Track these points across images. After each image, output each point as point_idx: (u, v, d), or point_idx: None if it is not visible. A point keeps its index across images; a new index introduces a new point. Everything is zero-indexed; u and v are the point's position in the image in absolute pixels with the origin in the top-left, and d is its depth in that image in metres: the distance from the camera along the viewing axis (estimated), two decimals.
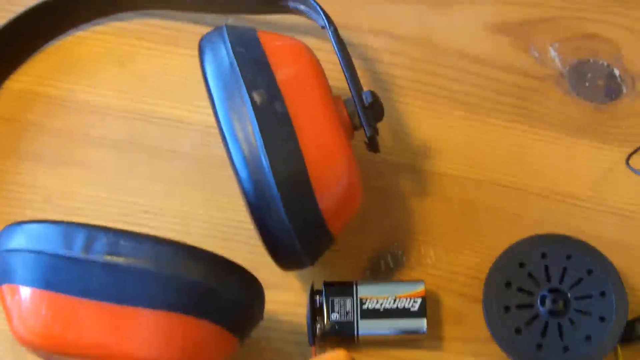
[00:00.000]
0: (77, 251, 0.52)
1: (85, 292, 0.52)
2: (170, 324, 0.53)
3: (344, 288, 0.61)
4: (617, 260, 0.62)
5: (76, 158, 0.66)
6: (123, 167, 0.66)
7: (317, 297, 0.61)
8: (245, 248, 0.61)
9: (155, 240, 0.53)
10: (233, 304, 0.54)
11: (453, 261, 0.64)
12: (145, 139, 0.67)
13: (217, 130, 0.55)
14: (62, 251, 0.52)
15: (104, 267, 0.52)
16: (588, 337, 0.59)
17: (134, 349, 0.53)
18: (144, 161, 0.67)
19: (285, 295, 0.63)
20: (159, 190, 0.66)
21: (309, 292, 0.61)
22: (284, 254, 0.57)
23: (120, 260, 0.52)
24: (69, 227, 0.53)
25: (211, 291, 0.53)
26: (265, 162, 0.54)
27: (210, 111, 0.56)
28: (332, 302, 0.61)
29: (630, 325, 0.60)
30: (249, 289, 0.56)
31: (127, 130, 0.67)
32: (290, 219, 0.54)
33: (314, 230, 0.56)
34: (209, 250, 0.54)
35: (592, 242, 0.61)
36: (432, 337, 0.62)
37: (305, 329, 0.61)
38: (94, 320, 0.52)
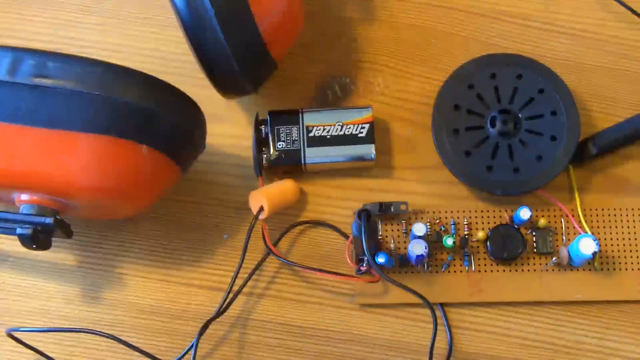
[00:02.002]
0: (2, 74, 0.49)
1: (13, 116, 0.50)
2: (106, 149, 0.51)
3: (289, 117, 0.59)
4: (569, 79, 0.61)
5: None
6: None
7: (263, 127, 0.59)
8: (189, 81, 0.58)
9: (85, 61, 0.50)
10: (171, 128, 0.52)
11: (402, 88, 0.62)
12: None
13: None
14: None
15: (32, 90, 0.49)
16: (539, 157, 0.58)
17: (70, 176, 0.51)
18: None
19: (230, 129, 0.61)
20: (94, 23, 0.63)
21: (253, 122, 0.59)
22: (223, 76, 0.55)
23: (48, 82, 0.49)
24: None
25: (147, 113, 0.51)
26: None
27: None
28: (278, 131, 0.59)
29: (583, 145, 0.59)
30: (187, 113, 0.54)
31: None
32: (227, 37, 0.52)
33: (253, 51, 0.53)
34: (144, 71, 0.51)
35: (546, 62, 0.60)
36: (382, 166, 0.60)
37: (252, 161, 0.59)
38: (24, 146, 0.50)
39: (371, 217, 0.53)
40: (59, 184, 0.51)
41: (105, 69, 0.50)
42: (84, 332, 0.57)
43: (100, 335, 0.56)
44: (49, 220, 0.52)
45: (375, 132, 0.60)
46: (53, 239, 0.54)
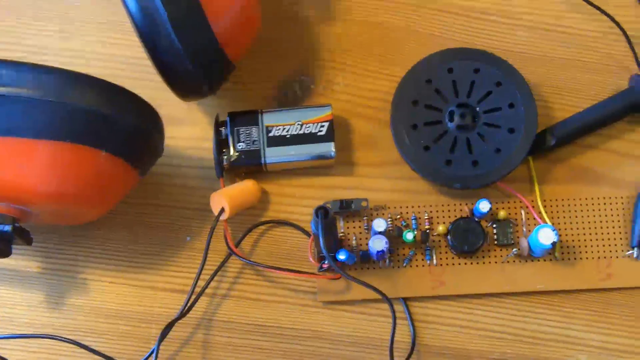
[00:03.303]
0: None
1: None
2: (62, 155, 0.51)
3: (249, 117, 0.60)
4: (527, 72, 0.61)
5: None
6: (16, 6, 0.64)
7: (223, 128, 0.60)
8: (150, 85, 0.59)
9: (38, 68, 0.50)
10: (128, 132, 0.53)
11: (362, 85, 0.62)
12: None
13: None
14: None
15: None
16: (497, 150, 0.58)
17: (28, 183, 0.51)
18: (36, 0, 0.64)
19: (191, 131, 0.62)
20: (54, 30, 0.63)
21: (213, 124, 0.60)
22: (179, 79, 0.55)
23: (2, 90, 0.49)
24: None
25: (102, 118, 0.51)
26: None
27: None
28: (238, 131, 0.59)
29: (541, 136, 0.59)
30: (143, 116, 0.54)
31: None
32: (181, 40, 0.52)
33: (208, 53, 0.54)
34: (97, 77, 0.52)
35: (503, 55, 0.60)
36: (343, 163, 0.61)
37: (213, 163, 0.60)
38: None
39: (329, 214, 0.53)
40: (16, 191, 0.51)
41: (58, 75, 0.50)
42: (47, 337, 0.57)
43: (63, 340, 0.57)
44: (8, 228, 0.52)
45: (336, 130, 0.60)
46: (14, 246, 0.54)
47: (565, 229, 0.59)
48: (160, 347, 0.56)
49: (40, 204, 0.53)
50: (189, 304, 0.57)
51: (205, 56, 0.54)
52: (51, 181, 0.51)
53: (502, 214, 0.58)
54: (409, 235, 0.57)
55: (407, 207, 0.59)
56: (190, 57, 0.53)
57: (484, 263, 0.59)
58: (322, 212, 0.53)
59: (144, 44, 0.53)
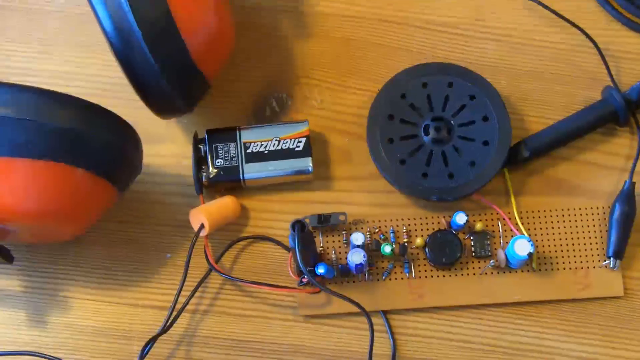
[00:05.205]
0: None
1: None
2: (40, 173, 0.51)
3: (226, 134, 0.60)
4: (500, 85, 0.62)
5: None
6: None
7: (201, 145, 0.60)
8: (130, 104, 0.59)
9: (14, 87, 0.51)
10: (105, 150, 0.53)
11: (338, 101, 0.63)
12: None
13: None
14: None
15: None
16: (472, 163, 0.59)
17: (5, 201, 0.51)
18: (15, 22, 0.64)
19: (170, 148, 0.62)
20: (34, 51, 0.64)
21: (192, 141, 0.60)
22: (155, 97, 0.55)
23: None
24: None
25: (79, 136, 0.52)
26: (124, 1, 0.52)
27: None
28: (216, 148, 0.60)
29: (515, 148, 0.60)
30: (120, 134, 0.54)
31: None
32: (156, 59, 0.53)
33: (182, 69, 0.54)
34: (73, 95, 0.52)
35: (476, 69, 0.61)
36: (321, 178, 0.61)
37: (192, 179, 0.60)
38: None
39: (305, 227, 0.54)
40: None
41: (34, 94, 0.51)
42: (29, 354, 0.58)
43: (45, 357, 0.57)
44: None
45: (314, 145, 0.61)
46: None
47: (542, 240, 0.60)
48: None
49: (18, 222, 0.53)
50: (170, 320, 0.58)
51: (181, 74, 0.55)
52: (29, 199, 0.52)
53: (479, 225, 0.59)
54: (387, 249, 0.58)
55: (385, 220, 0.60)
56: (165, 75, 0.54)
57: (462, 275, 0.59)
58: (299, 226, 0.54)
59: (120, 63, 0.54)
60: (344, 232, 0.60)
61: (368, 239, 0.59)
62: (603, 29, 0.64)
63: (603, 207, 0.60)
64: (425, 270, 0.59)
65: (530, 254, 0.57)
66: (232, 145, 0.60)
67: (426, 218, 0.60)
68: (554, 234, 0.60)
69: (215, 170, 0.60)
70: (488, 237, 0.59)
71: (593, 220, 0.60)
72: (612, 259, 0.59)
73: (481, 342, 0.59)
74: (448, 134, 0.59)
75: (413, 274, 0.59)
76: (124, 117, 0.55)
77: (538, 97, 0.63)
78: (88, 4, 0.53)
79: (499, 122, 0.59)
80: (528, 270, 0.59)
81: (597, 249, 0.60)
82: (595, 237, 0.60)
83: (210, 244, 0.60)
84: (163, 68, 0.53)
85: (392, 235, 0.60)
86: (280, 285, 0.58)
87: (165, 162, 0.62)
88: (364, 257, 0.57)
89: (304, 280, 0.58)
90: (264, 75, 0.63)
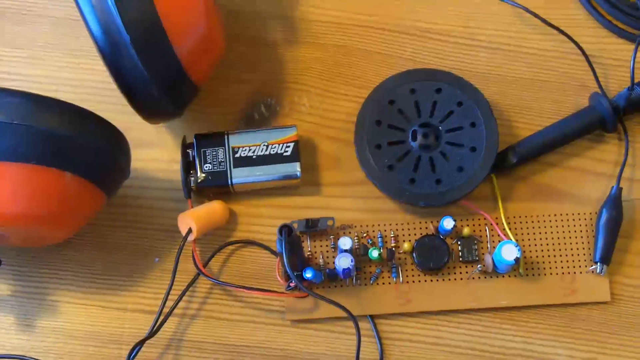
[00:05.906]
0: None
1: None
2: (29, 177, 0.52)
3: (215, 139, 0.61)
4: (489, 92, 0.62)
5: None
6: None
7: (190, 150, 0.61)
8: (119, 109, 0.59)
9: (3, 91, 0.51)
10: (93, 154, 0.53)
11: (327, 107, 0.63)
12: (6, 3, 0.65)
13: None
14: None
15: None
16: (460, 168, 0.59)
17: None
18: (5, 27, 0.65)
19: (159, 153, 0.62)
20: (24, 56, 0.64)
21: (181, 146, 0.60)
22: (144, 102, 0.56)
23: None
24: None
25: (67, 141, 0.52)
26: (112, 6, 0.52)
27: None
28: (204, 153, 0.60)
29: (503, 154, 0.60)
30: (109, 138, 0.55)
31: None
32: (144, 64, 0.53)
33: (171, 76, 0.55)
34: (62, 99, 0.52)
35: (466, 76, 0.61)
36: (309, 183, 0.62)
37: (181, 184, 0.60)
38: None
39: (292, 231, 0.54)
40: None
41: (23, 98, 0.51)
42: (18, 358, 0.58)
43: None
44: None
45: (302, 151, 0.61)
46: None
47: (530, 245, 0.60)
48: None
49: (6, 226, 0.53)
50: (157, 324, 0.58)
51: (169, 79, 0.55)
52: (17, 203, 0.52)
53: (466, 231, 0.59)
54: (374, 253, 0.58)
55: (372, 225, 0.60)
56: (154, 80, 0.54)
57: (449, 280, 0.59)
58: (286, 230, 0.54)
59: (108, 69, 0.54)
60: (331, 237, 0.60)
61: (356, 243, 0.59)
62: (591, 36, 0.64)
63: (590, 213, 0.61)
64: (413, 275, 0.60)
65: (517, 259, 0.57)
66: (221, 150, 0.60)
67: (414, 223, 0.60)
68: (541, 239, 0.60)
69: (204, 175, 0.60)
70: (475, 242, 0.60)
71: (580, 225, 0.60)
72: (599, 264, 0.59)
73: (468, 346, 0.59)
74: (436, 140, 0.60)
75: (400, 279, 0.59)
76: (114, 122, 0.55)
77: (526, 103, 0.63)
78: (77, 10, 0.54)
79: (486, 128, 0.60)
80: (515, 275, 0.59)
81: (584, 254, 0.60)
82: (582, 243, 0.60)
83: (198, 248, 0.60)
84: (151, 73, 0.54)
85: (379, 240, 0.60)
86: (268, 290, 0.59)
87: (154, 166, 0.62)
88: (352, 261, 0.57)
89: (292, 284, 0.58)
90: (253, 80, 0.64)
